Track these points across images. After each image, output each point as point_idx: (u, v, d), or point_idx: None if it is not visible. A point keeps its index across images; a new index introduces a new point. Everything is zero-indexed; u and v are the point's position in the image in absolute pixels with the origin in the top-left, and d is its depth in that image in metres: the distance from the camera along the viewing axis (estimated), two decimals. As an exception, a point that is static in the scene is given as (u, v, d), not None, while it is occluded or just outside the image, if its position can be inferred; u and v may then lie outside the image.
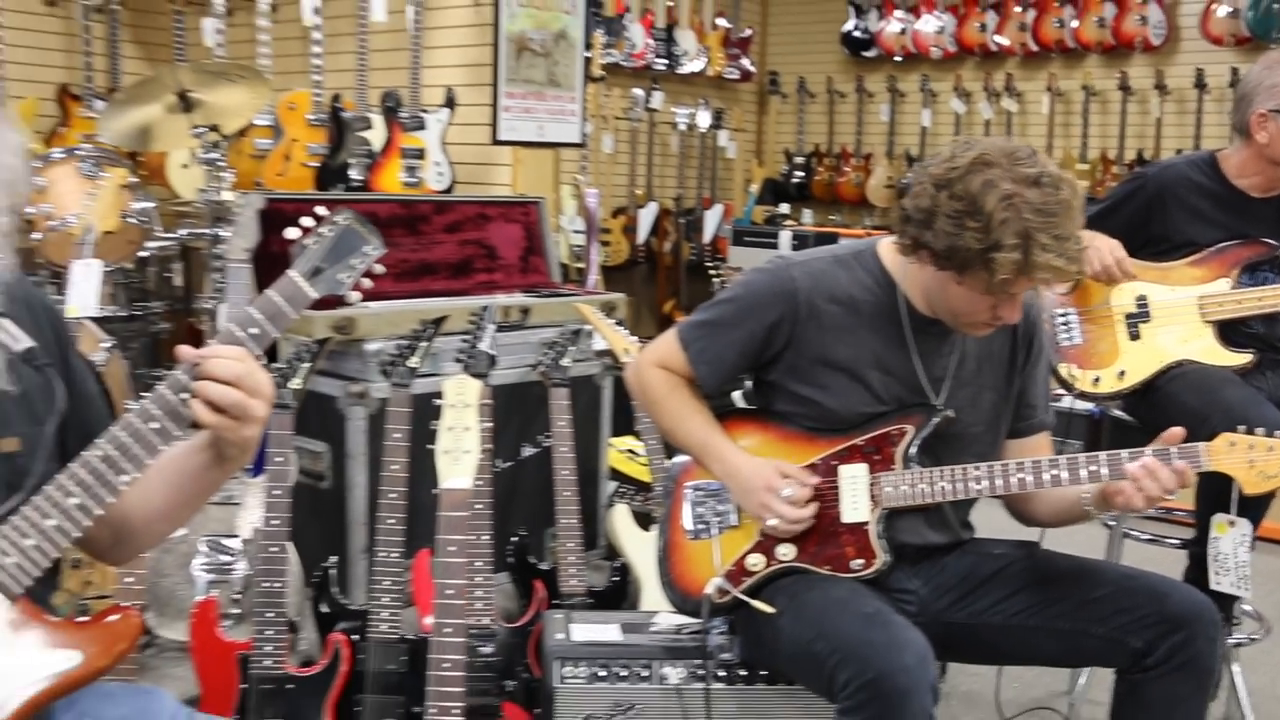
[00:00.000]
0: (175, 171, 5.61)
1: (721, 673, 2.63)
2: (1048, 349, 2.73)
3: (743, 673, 2.63)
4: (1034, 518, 2.57)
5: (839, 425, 2.49)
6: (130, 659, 2.69)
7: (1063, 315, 3.31)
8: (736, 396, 2.81)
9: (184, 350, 1.61)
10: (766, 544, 2.50)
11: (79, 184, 4.03)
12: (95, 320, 3.63)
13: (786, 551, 2.48)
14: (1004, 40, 7.73)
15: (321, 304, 3.21)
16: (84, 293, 3.16)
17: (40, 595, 1.63)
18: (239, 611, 3.06)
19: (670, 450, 3.71)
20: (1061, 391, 3.27)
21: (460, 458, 2.49)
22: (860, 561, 2.43)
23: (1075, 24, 7.44)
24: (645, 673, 2.66)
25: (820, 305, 2.46)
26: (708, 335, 2.55)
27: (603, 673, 2.66)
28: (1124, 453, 2.31)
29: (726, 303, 2.57)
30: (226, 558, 3.10)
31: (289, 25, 5.71)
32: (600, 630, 2.77)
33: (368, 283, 1.79)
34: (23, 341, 1.36)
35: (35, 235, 4.12)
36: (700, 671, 2.62)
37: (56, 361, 1.68)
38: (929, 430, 2.45)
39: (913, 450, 2.44)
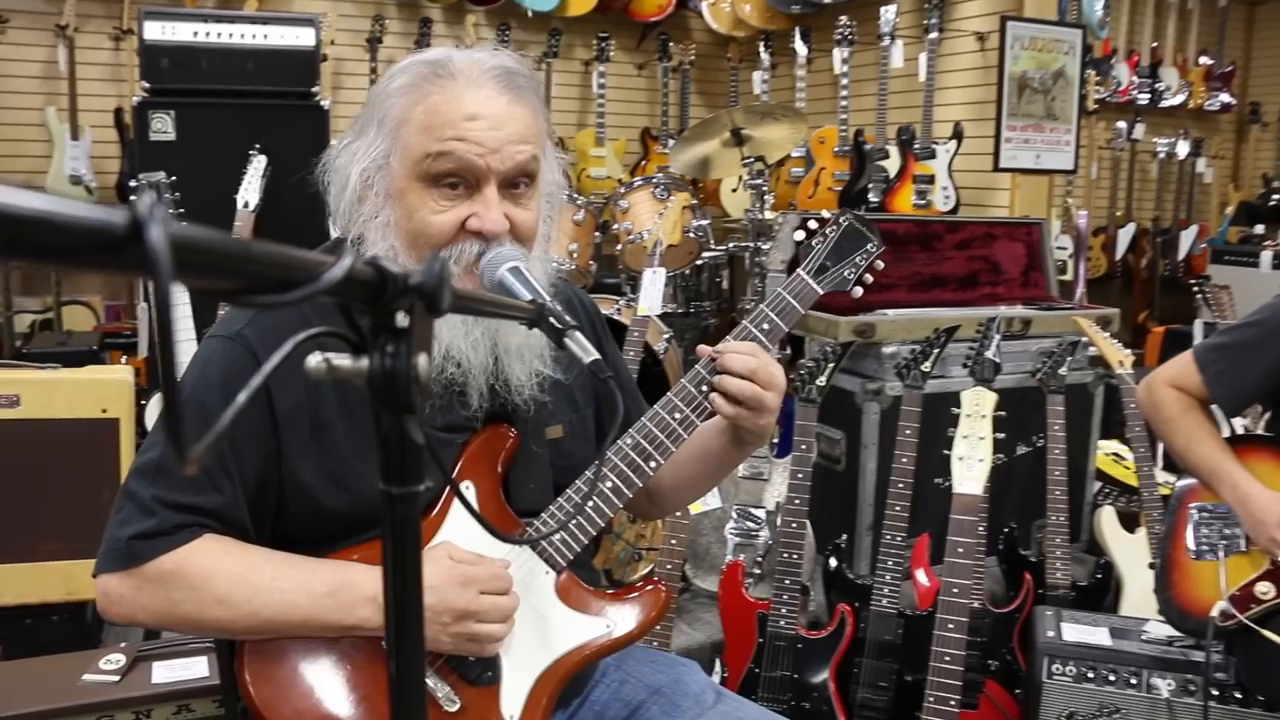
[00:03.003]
0: (726, 195, 5.59)
1: (1215, 692, 2.13)
2: None
3: (1238, 695, 2.13)
4: None
5: (1368, 459, 1.92)
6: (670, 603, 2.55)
7: None
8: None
9: (703, 348, 1.45)
10: (1278, 573, 1.97)
11: (653, 205, 3.99)
12: (659, 317, 3.55)
13: (1302, 584, 1.95)
14: None
15: (842, 308, 2.88)
16: (651, 295, 3.05)
17: (585, 564, 1.51)
18: (760, 572, 2.86)
19: (1154, 454, 3.20)
20: None
21: (973, 465, 2.14)
22: (1390, 604, 1.86)
23: None
24: (1134, 680, 2.22)
25: None
26: (1227, 358, 2.05)
27: (1090, 674, 2.25)
28: None
29: (1250, 326, 2.04)
30: (753, 525, 2.90)
31: (821, 74, 5.59)
32: (1090, 632, 2.34)
33: (869, 278, 1.57)
34: (591, 354, 1.18)
35: (619, 247, 4.13)
36: (1193, 687, 2.14)
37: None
38: None
39: None
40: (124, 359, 4.25)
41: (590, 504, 1.40)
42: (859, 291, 1.57)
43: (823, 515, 3.09)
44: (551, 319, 1.23)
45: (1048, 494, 2.87)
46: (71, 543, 2.19)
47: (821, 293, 1.53)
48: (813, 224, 1.57)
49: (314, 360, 0.63)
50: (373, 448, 1.30)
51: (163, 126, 3.60)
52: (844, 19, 4.93)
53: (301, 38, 3.78)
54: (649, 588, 1.46)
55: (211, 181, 3.41)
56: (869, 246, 1.56)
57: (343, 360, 0.64)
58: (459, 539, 1.34)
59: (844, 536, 2.78)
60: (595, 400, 1.60)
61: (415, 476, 0.66)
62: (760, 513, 2.91)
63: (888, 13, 4.75)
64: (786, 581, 2.54)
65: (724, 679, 2.52)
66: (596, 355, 1.23)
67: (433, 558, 1.29)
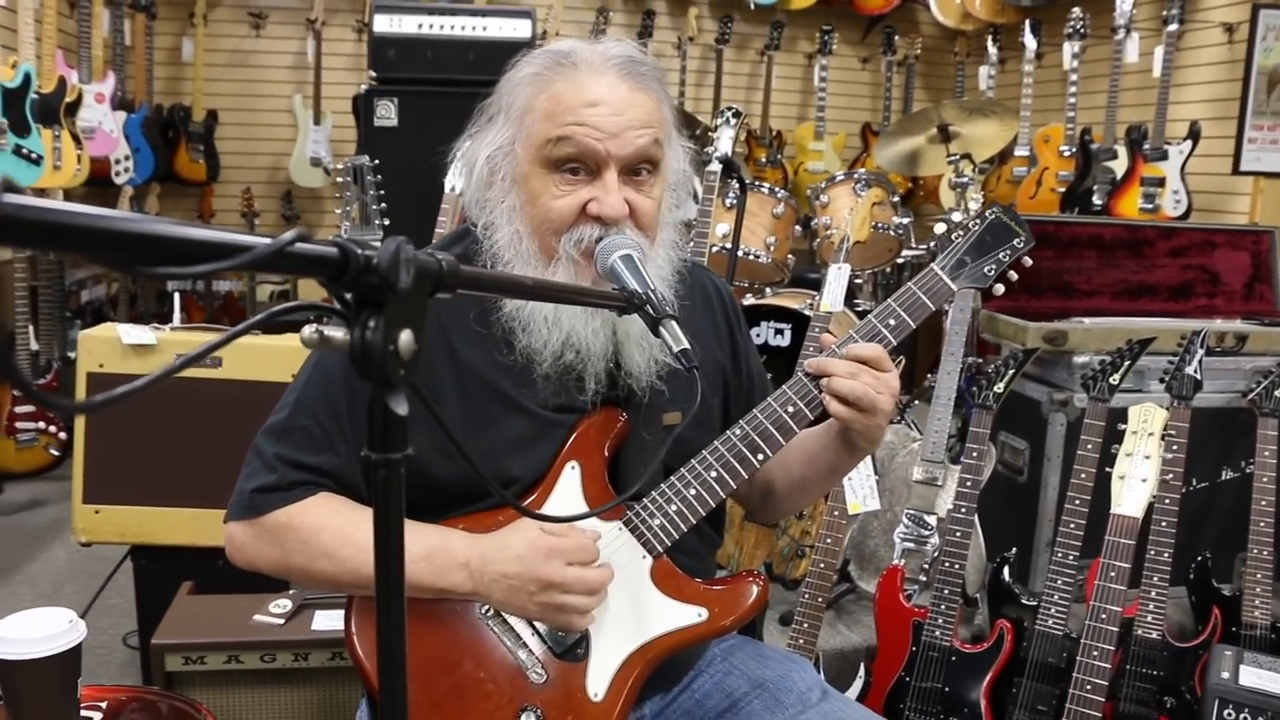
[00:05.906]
0: (945, 192, 5.44)
1: None
2: None
3: None
4: None
5: None
6: (829, 603, 2.52)
7: None
8: None
9: (826, 338, 1.44)
10: None
11: (852, 201, 3.93)
12: (856, 314, 3.50)
13: None
14: None
15: (1037, 313, 2.75)
16: (834, 292, 3.00)
17: (692, 551, 1.50)
18: (925, 580, 2.78)
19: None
20: None
21: (1135, 485, 2.02)
22: None
23: None
24: (1320, 734, 2.02)
25: None
26: None
27: (1269, 723, 2.06)
28: None
29: None
30: (923, 531, 2.82)
31: (1050, 70, 5.37)
32: (1272, 679, 2.16)
33: (1014, 275, 1.52)
34: (680, 343, 1.21)
35: (816, 241, 4.10)
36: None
37: (723, 342, 1.60)
38: None
39: None
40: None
41: (692, 491, 1.42)
42: (1000, 289, 1.52)
43: (1001, 527, 2.97)
44: (648, 308, 1.25)
45: (1251, 525, 2.68)
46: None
47: (956, 290, 1.49)
48: (958, 216, 1.52)
49: (307, 330, 0.68)
50: (484, 424, 1.37)
51: (386, 113, 3.83)
52: (1076, 10, 4.70)
53: (519, 29, 3.93)
54: (747, 579, 1.46)
55: (427, 165, 3.59)
56: (1016, 242, 1.51)
57: (334, 332, 0.69)
58: (560, 513, 1.38)
59: (1013, 550, 2.67)
60: (725, 389, 1.61)
61: (398, 444, 0.70)
62: (932, 519, 2.83)
63: (1124, 4, 4.50)
64: (946, 591, 2.47)
65: (866, 684, 2.48)
66: (685, 345, 1.24)
67: (522, 528, 1.34)
